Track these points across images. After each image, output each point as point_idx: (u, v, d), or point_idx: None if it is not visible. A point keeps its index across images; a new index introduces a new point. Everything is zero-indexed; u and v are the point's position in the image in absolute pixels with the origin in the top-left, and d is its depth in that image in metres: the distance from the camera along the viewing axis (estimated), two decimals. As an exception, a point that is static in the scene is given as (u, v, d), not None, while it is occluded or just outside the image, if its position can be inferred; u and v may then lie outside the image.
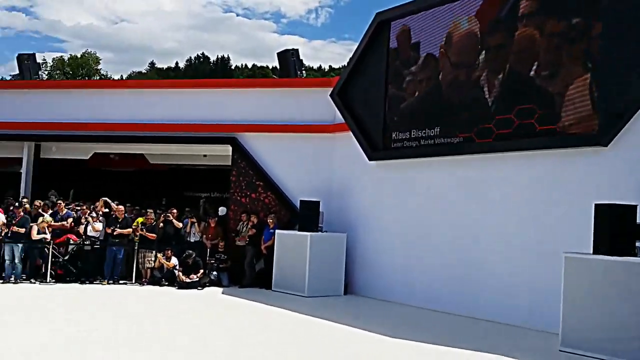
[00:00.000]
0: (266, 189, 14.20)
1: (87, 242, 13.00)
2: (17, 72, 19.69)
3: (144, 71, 75.53)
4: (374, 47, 12.72)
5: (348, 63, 14.78)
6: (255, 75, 60.91)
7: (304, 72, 16.27)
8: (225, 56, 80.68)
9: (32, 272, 12.81)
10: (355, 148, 12.92)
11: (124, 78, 61.60)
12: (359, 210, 13.00)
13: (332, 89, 13.57)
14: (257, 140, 14.46)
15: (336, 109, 13.51)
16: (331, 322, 9.39)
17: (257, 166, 14.31)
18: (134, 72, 75.25)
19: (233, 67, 77.26)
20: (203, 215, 15.13)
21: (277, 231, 13.00)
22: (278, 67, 16.61)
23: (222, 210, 14.73)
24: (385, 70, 12.39)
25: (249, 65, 77.90)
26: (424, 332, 8.79)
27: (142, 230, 13.27)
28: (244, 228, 13.48)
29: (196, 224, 13.88)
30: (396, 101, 12.16)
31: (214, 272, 13.17)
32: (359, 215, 12.97)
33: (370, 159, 12.59)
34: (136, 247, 13.26)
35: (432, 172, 11.42)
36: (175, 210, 13.89)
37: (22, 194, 15.49)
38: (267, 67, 72.50)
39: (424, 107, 11.58)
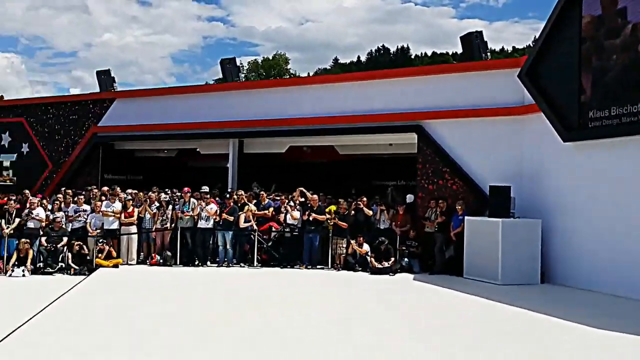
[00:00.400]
0: (453, 175, 14.10)
1: (287, 230, 14.03)
2: (219, 76, 21.74)
3: (328, 67, 78.51)
4: (565, 21, 11.93)
5: (536, 40, 14.05)
6: (435, 63, 60.11)
7: (488, 54, 15.74)
8: (405, 46, 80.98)
9: (241, 256, 14.15)
10: (547, 129, 12.28)
11: (311, 76, 64.50)
12: (554, 195, 12.34)
13: (519, 69, 13.02)
14: (443, 126, 14.39)
15: (525, 89, 12.95)
16: (531, 311, 9.06)
17: (443, 153, 14.26)
18: (319, 69, 78.61)
19: (413, 57, 77.20)
20: (391, 203, 15.46)
21: (466, 217, 12.85)
22: (461, 51, 16.29)
23: (409, 198, 14.94)
24: (578, 44, 11.55)
25: (429, 53, 77.26)
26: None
27: (335, 219, 13.95)
28: (433, 215, 13.54)
29: (385, 211, 14.24)
30: (594, 76, 11.27)
31: (405, 259, 13.43)
32: (554, 200, 12.32)
33: (564, 140, 11.88)
34: (330, 234, 14.00)
35: (636, 151, 10.47)
36: (365, 198, 14.37)
37: (229, 186, 17.14)
38: (447, 53, 71.29)
39: (626, 82, 10.61)
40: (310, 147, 18.63)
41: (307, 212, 13.95)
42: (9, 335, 7.20)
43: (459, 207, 13.18)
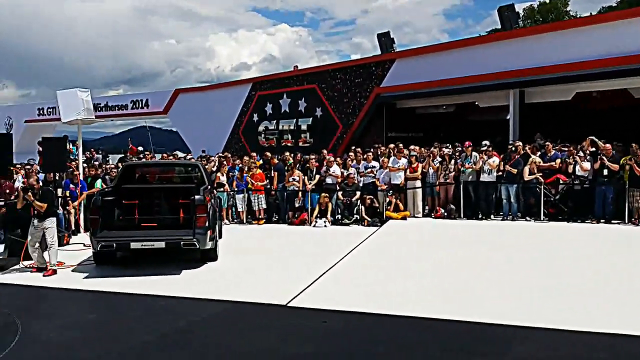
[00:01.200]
0: None
1: (576, 182, 13.30)
2: (493, 27, 21.05)
3: (613, 5, 69.91)
4: None
5: None
6: None
7: None
8: None
9: (526, 210, 13.84)
10: None
11: (594, 15, 58.34)
12: None
13: None
14: None
15: None
16: None
17: None
18: (603, 7, 70.40)
19: None
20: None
21: None
22: None
23: None
24: None
25: None
26: None
27: (632, 161, 12.71)
28: None
29: (695, 158, 12.54)
30: None
31: None
32: None
33: None
34: (626, 186, 12.86)
35: None
36: (670, 145, 12.83)
37: (510, 138, 16.77)
38: None
39: None
40: (599, 92, 17.15)
41: (598, 161, 12.98)
42: (328, 270, 8.60)
43: None
